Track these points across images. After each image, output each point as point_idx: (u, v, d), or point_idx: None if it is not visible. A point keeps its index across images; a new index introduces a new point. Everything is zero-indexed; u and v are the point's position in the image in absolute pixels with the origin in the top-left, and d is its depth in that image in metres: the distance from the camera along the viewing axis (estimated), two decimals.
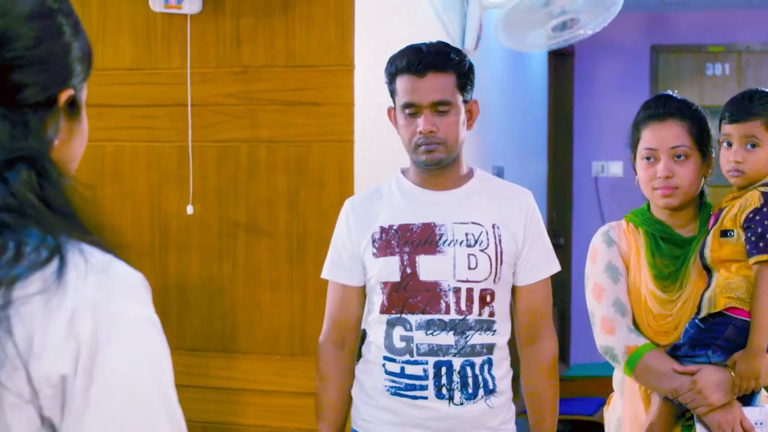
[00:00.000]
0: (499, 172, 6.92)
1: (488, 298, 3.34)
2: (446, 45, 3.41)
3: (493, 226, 3.37)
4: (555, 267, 3.49)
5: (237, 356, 4.55)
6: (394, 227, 3.38)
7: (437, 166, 3.36)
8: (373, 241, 3.40)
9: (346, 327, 3.52)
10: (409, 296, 3.34)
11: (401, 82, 3.35)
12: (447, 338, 3.31)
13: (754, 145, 3.29)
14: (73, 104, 1.54)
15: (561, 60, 9.50)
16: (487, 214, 3.39)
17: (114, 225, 1.58)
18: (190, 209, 4.52)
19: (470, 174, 3.49)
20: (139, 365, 1.41)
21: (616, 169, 9.52)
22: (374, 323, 3.43)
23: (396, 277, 3.35)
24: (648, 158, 3.42)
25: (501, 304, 3.39)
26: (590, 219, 9.18)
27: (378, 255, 3.38)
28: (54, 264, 1.37)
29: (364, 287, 3.48)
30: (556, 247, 9.11)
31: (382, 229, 3.40)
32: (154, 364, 1.43)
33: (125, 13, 4.64)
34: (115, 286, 1.43)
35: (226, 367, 4.56)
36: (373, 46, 4.53)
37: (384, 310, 3.37)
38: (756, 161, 3.30)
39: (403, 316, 3.34)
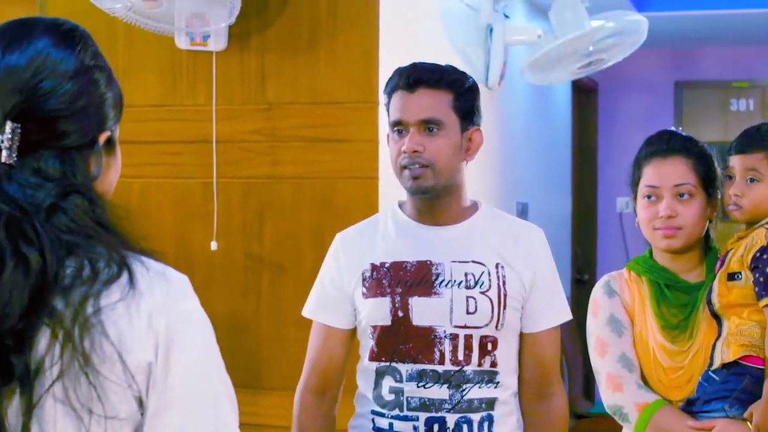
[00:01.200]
0: (524, 209, 6.92)
1: (490, 347, 3.00)
2: (449, 66, 3.12)
3: (497, 266, 3.03)
4: (566, 315, 3.16)
5: (261, 392, 4.55)
6: (387, 265, 3.04)
7: (426, 195, 3.01)
8: (364, 280, 3.07)
9: (328, 373, 3.18)
10: (400, 342, 2.99)
11: (393, 99, 3.06)
12: (440, 392, 2.96)
13: (753, 180, 3.15)
14: (109, 142, 1.83)
15: (585, 96, 9.51)
16: (491, 253, 3.04)
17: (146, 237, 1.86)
18: (214, 245, 4.53)
19: (474, 208, 3.15)
20: (203, 351, 1.76)
21: None
22: (363, 371, 3.11)
23: (386, 321, 3.00)
24: (649, 197, 3.23)
25: (506, 354, 3.04)
26: (615, 255, 9.16)
27: (368, 295, 3.04)
28: (125, 275, 1.69)
29: (351, 330, 3.15)
30: (580, 283, 9.10)
31: (373, 267, 3.06)
32: (214, 350, 1.79)
33: (151, 50, 4.67)
34: (175, 288, 1.77)
35: (251, 403, 4.55)
36: None
37: (373, 357, 3.04)
38: (755, 196, 3.15)
39: (393, 364, 3.00)
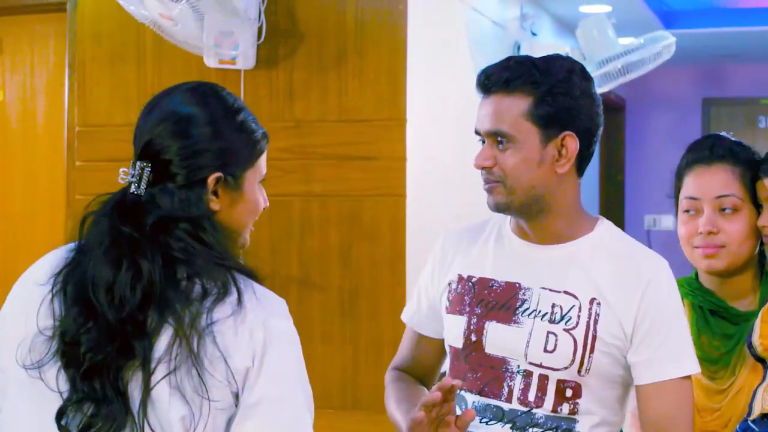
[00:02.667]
0: None
1: (569, 393, 2.53)
2: (545, 59, 2.61)
3: (592, 301, 2.53)
4: (688, 367, 2.54)
5: None
6: (474, 279, 2.66)
7: (505, 213, 2.63)
8: (449, 292, 2.71)
9: (417, 370, 2.88)
10: (468, 369, 2.62)
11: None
12: (503, 431, 2.57)
13: None
14: (227, 182, 2.18)
15: (612, 113, 9.50)
16: (588, 285, 2.55)
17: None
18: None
19: (589, 227, 2.64)
20: (289, 362, 2.11)
21: (668, 222, 9.47)
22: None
23: (458, 343, 2.64)
24: (688, 210, 2.82)
25: (594, 404, 2.55)
26: None
27: (449, 310, 2.69)
28: (234, 294, 2.07)
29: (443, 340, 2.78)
30: None
31: (460, 279, 2.68)
32: (300, 365, 2.13)
33: (179, 69, 4.69)
34: (273, 307, 2.14)
35: None
36: (425, 101, 4.55)
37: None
38: None
39: (461, 392, 2.63)
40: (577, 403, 2.53)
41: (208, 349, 2.02)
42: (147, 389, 2.00)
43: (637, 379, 2.53)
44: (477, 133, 2.59)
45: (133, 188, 2.14)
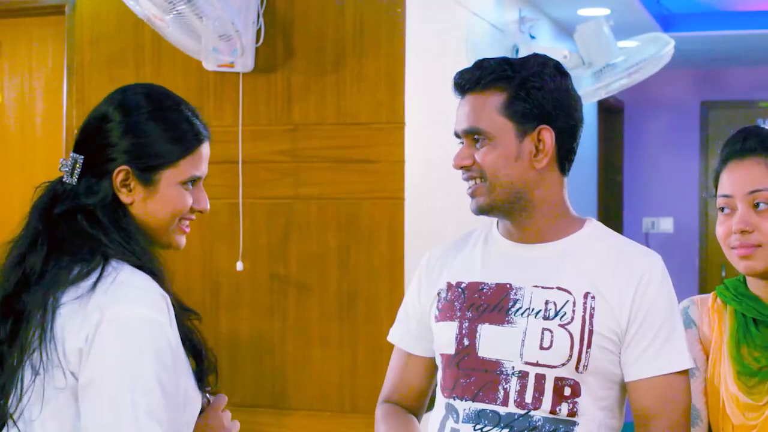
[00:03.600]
0: None
1: (567, 392, 2.46)
2: (521, 57, 2.61)
3: (586, 295, 2.48)
4: (682, 362, 2.48)
5: (287, 412, 4.55)
6: (463, 285, 2.60)
7: (489, 215, 2.59)
8: (438, 301, 2.64)
9: (406, 399, 2.77)
10: (461, 375, 2.53)
11: None
12: None
13: None
14: (139, 176, 2.25)
15: (611, 115, 9.50)
16: (581, 280, 2.50)
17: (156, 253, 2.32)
18: (239, 266, 4.54)
19: (577, 226, 2.62)
20: (120, 346, 2.10)
21: (666, 225, 9.48)
22: (437, 406, 2.65)
23: (450, 349, 2.57)
24: (723, 209, 2.59)
25: (592, 403, 2.48)
26: None
27: (439, 318, 2.62)
28: (93, 278, 2.14)
29: (433, 359, 2.72)
30: None
31: (449, 287, 2.62)
32: (136, 347, 2.11)
33: (178, 71, 4.69)
34: (124, 295, 2.14)
35: (277, 424, 4.55)
36: (423, 104, 4.55)
37: (441, 390, 2.61)
38: None
39: (452, 401, 2.55)
40: (576, 403, 2.46)
41: (49, 328, 2.13)
42: (12, 368, 2.16)
43: (626, 375, 2.49)
44: (456, 135, 2.59)
45: (65, 178, 2.29)
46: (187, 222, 2.37)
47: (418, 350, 2.73)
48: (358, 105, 4.46)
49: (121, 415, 2.08)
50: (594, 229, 2.63)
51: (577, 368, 2.45)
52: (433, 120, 4.67)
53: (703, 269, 9.39)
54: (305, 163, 4.53)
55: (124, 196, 2.25)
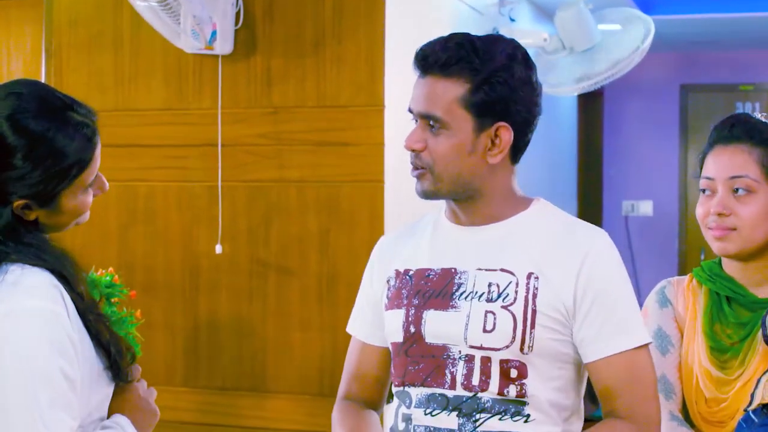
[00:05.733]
0: None
1: (513, 373, 2.42)
2: (486, 40, 2.49)
3: (529, 276, 2.44)
4: (637, 338, 2.45)
5: (267, 396, 4.55)
6: (411, 272, 2.56)
7: (433, 199, 2.55)
8: (388, 289, 2.61)
9: (365, 391, 2.73)
10: (410, 363, 2.51)
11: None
12: (448, 420, 2.45)
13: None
14: (44, 203, 2.22)
15: (590, 100, 9.50)
16: (524, 260, 2.46)
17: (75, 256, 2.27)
18: (218, 249, 4.53)
19: (523, 206, 2.55)
20: (14, 342, 2.07)
21: (646, 208, 9.50)
22: (393, 396, 2.63)
23: (399, 337, 2.54)
24: (704, 191, 2.71)
25: (541, 385, 2.44)
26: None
27: (388, 307, 2.59)
28: None
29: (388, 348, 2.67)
30: None
31: (397, 274, 2.59)
32: (28, 341, 2.08)
33: (157, 53, 4.67)
34: (13, 290, 2.12)
35: (257, 407, 4.55)
36: (403, 87, 4.54)
37: (394, 379, 2.59)
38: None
39: (405, 388, 2.52)
40: (524, 384, 2.42)
41: None
42: None
43: (584, 356, 2.44)
44: (410, 111, 2.51)
45: None
46: (94, 198, 2.35)
47: (372, 339, 2.68)
48: (337, 88, 4.45)
49: (24, 410, 2.06)
50: (540, 208, 2.56)
51: (522, 350, 2.41)
52: (409, 112, 4.66)
53: (682, 252, 9.42)
54: (285, 146, 4.52)
55: (28, 216, 2.23)
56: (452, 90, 2.43)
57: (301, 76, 4.50)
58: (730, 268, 2.72)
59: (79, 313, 2.20)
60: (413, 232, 2.67)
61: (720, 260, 2.75)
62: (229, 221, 4.59)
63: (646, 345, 2.46)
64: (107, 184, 2.35)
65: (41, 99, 2.22)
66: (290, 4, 4.52)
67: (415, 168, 2.50)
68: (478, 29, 5.67)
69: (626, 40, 5.85)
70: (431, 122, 2.45)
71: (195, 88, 4.64)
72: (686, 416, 2.69)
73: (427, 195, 2.51)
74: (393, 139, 4.42)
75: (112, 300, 3.83)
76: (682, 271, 9.16)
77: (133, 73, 4.71)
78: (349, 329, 2.76)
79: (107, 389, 2.27)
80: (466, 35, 2.50)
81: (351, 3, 4.43)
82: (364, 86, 4.41)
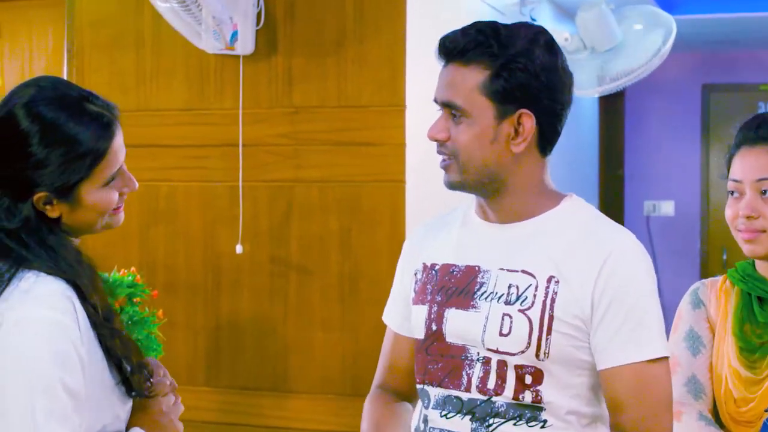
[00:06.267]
0: None
1: (528, 379, 2.35)
2: (508, 27, 2.42)
3: (550, 279, 2.35)
4: (650, 350, 2.32)
5: (289, 396, 4.55)
6: (437, 267, 2.51)
7: (459, 191, 2.48)
8: (415, 282, 2.57)
9: (398, 381, 2.67)
10: (430, 361, 2.47)
11: None
12: (462, 424, 2.40)
13: None
14: (63, 195, 2.21)
15: (611, 99, 9.47)
16: (546, 262, 2.37)
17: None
18: (239, 249, 4.54)
19: (554, 202, 2.48)
20: (17, 350, 2.08)
21: (667, 208, 9.47)
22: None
23: (421, 334, 2.49)
24: (732, 192, 2.68)
25: (558, 391, 2.36)
26: None
27: (414, 301, 2.55)
28: (2, 287, 2.13)
29: None
30: None
31: (424, 268, 2.55)
32: (30, 350, 2.08)
33: (179, 54, 4.68)
34: (24, 298, 2.12)
35: (279, 407, 4.56)
36: (424, 86, 4.53)
37: (416, 375, 2.55)
38: None
39: (425, 387, 2.48)
40: (539, 391, 2.34)
41: None
42: None
43: (597, 363, 2.34)
44: (435, 101, 2.45)
45: None
46: (121, 202, 2.33)
47: (404, 330, 2.62)
48: (359, 88, 4.45)
49: (20, 420, 2.06)
50: (569, 205, 2.48)
51: (537, 356, 2.33)
52: (434, 102, 4.65)
53: (704, 252, 9.38)
54: (306, 146, 4.52)
55: (51, 212, 2.23)
56: (472, 77, 2.36)
57: (322, 76, 4.50)
58: (763, 268, 2.69)
59: (92, 326, 2.19)
60: (443, 225, 2.61)
61: (754, 261, 2.72)
62: (250, 221, 4.60)
63: (663, 358, 2.34)
64: (136, 182, 2.33)
65: (57, 90, 2.23)
66: (311, 4, 4.52)
67: (441, 158, 2.44)
68: None
69: (648, 40, 5.84)
70: (453, 111, 2.39)
71: (216, 88, 4.65)
72: (717, 417, 2.66)
73: (453, 186, 2.45)
74: (414, 139, 4.42)
75: (135, 300, 3.84)
76: (703, 272, 9.12)
77: (154, 73, 4.72)
78: (384, 317, 2.73)
79: (123, 404, 2.26)
80: (490, 22, 2.42)
81: (372, 3, 4.43)
82: (385, 86, 4.41)
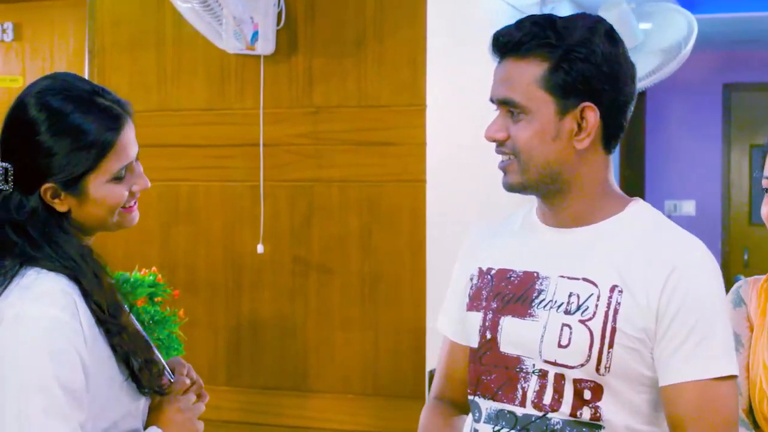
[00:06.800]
0: None
1: (587, 395, 2.20)
2: (568, 17, 2.29)
3: (613, 288, 2.20)
4: (716, 367, 2.16)
5: (309, 395, 4.55)
6: (493, 272, 2.37)
7: (519, 192, 2.32)
8: (470, 287, 2.42)
9: (456, 389, 2.51)
10: (483, 372, 2.32)
11: None
12: None
13: None
14: (70, 187, 2.20)
15: None
16: (609, 270, 2.22)
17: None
18: (260, 248, 4.54)
19: (619, 207, 2.33)
20: (14, 346, 2.08)
21: (689, 208, 9.44)
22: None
23: (474, 342, 2.35)
24: (766, 190, 2.58)
25: (619, 408, 2.21)
26: None
27: (468, 307, 2.40)
28: (2, 284, 2.14)
29: None
30: None
31: (480, 272, 2.40)
32: (20, 342, 2.08)
33: (199, 54, 4.69)
34: (23, 294, 2.12)
35: (299, 406, 4.56)
36: (445, 86, 4.54)
37: (468, 386, 2.40)
38: None
39: (476, 398, 2.34)
40: (598, 407, 2.19)
41: None
42: None
43: (661, 379, 2.18)
44: (492, 101, 2.29)
45: (0, 184, 2.25)
46: (133, 201, 2.32)
47: (458, 337, 2.47)
48: (379, 87, 4.45)
49: (15, 417, 2.07)
50: (635, 211, 2.32)
51: (597, 370, 2.18)
52: (454, 102, 4.65)
53: (725, 252, 9.35)
54: (327, 146, 4.52)
55: (59, 206, 2.23)
56: (529, 71, 2.21)
57: (342, 76, 4.50)
58: None
59: (97, 322, 2.19)
60: (501, 228, 2.46)
61: None
62: (271, 221, 4.60)
63: (730, 377, 2.18)
64: (147, 181, 2.31)
65: (68, 82, 2.25)
66: (332, 4, 4.52)
67: (505, 156, 2.27)
68: None
69: (669, 40, 5.82)
70: (511, 108, 2.24)
71: (237, 88, 4.65)
72: (752, 417, 2.56)
73: (513, 188, 2.29)
74: (435, 139, 4.41)
75: (156, 299, 3.84)
76: (724, 272, 9.06)
77: (175, 73, 4.73)
78: (438, 326, 2.57)
79: (134, 400, 2.25)
80: (545, 14, 2.30)
81: (392, 2, 4.43)
82: (405, 86, 4.41)
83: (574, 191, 2.29)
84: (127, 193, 2.27)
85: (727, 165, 9.54)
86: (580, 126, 2.23)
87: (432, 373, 4.23)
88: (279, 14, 4.52)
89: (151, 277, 3.85)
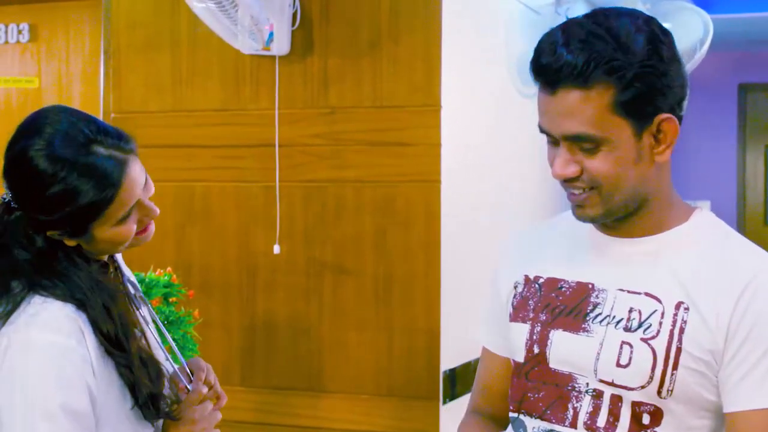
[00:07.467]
0: None
1: (646, 419, 2.05)
2: (617, 30, 2.03)
3: (678, 305, 2.05)
4: None
5: (323, 396, 4.55)
6: (541, 280, 2.23)
7: (600, 222, 2.17)
8: (514, 296, 2.29)
9: (494, 404, 2.41)
10: (530, 389, 2.19)
11: (538, 94, 2.13)
12: None
13: None
14: (76, 235, 2.23)
15: None
16: (674, 285, 2.07)
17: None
18: (276, 249, 4.54)
19: (683, 218, 2.19)
20: (16, 370, 2.10)
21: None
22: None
23: (520, 356, 2.22)
24: None
25: None
26: None
27: (512, 318, 2.27)
28: (9, 309, 2.15)
29: None
30: None
31: (526, 280, 2.27)
32: (29, 370, 2.10)
33: (214, 54, 4.69)
34: (30, 321, 2.13)
35: (312, 406, 4.56)
36: (460, 87, 4.54)
37: (510, 401, 2.28)
38: None
39: (520, 416, 2.21)
40: None
41: None
42: None
43: (724, 404, 2.04)
44: (542, 131, 2.11)
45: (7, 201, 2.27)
46: (145, 223, 2.35)
47: (498, 349, 2.37)
48: (394, 88, 4.45)
49: None
50: (700, 221, 2.18)
51: (659, 393, 2.05)
52: (469, 103, 4.65)
53: None
54: (342, 147, 4.53)
55: (68, 242, 2.25)
56: (598, 99, 2.02)
57: (357, 77, 4.50)
58: None
59: (105, 351, 2.20)
60: (549, 231, 2.34)
61: None
62: (286, 221, 4.60)
63: None
64: (156, 209, 2.34)
65: (64, 134, 2.21)
66: (347, 5, 4.52)
67: (577, 193, 2.11)
68: (534, 28, 5.65)
69: (685, 40, 5.81)
70: (583, 145, 2.06)
71: (252, 88, 4.66)
72: None
73: (595, 220, 2.15)
74: (449, 140, 4.41)
75: (170, 300, 3.85)
76: None
77: (190, 74, 4.74)
78: (480, 338, 2.46)
79: (144, 427, 2.27)
80: (580, 25, 2.07)
81: (407, 3, 4.43)
82: (420, 86, 4.40)
83: (648, 204, 2.16)
84: (135, 227, 2.28)
85: (742, 165, 9.53)
86: (656, 138, 2.12)
87: (446, 374, 4.23)
88: (294, 15, 4.52)
89: (165, 278, 3.85)
